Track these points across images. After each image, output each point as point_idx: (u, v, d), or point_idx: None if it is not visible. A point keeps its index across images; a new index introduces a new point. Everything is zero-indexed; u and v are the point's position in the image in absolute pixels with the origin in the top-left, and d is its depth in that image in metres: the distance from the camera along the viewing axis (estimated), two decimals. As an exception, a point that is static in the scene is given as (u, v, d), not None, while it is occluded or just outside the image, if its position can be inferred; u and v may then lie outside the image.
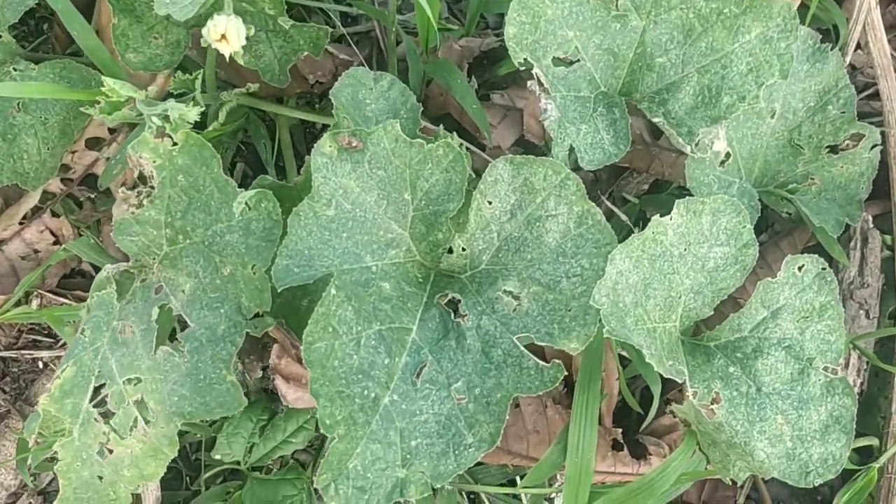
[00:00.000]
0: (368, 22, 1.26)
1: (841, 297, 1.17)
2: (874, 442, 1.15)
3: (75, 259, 1.25)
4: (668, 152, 1.18)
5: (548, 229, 0.84)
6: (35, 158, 1.06)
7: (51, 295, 1.23)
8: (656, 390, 1.07)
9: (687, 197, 0.86)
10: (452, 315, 0.85)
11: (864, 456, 1.17)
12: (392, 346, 0.80)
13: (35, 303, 1.23)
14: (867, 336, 1.13)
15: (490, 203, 0.84)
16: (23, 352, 1.25)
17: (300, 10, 1.29)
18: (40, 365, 1.26)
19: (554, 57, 0.94)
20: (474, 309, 0.84)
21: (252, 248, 0.82)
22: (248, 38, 1.01)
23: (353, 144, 0.82)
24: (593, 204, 0.84)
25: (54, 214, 1.22)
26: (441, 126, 1.02)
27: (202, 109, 0.88)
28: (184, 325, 0.86)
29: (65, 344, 1.23)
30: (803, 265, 0.90)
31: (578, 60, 0.95)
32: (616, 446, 1.12)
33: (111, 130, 1.16)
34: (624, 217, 1.14)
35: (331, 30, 0.97)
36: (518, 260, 0.85)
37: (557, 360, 0.80)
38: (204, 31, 0.83)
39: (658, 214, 0.84)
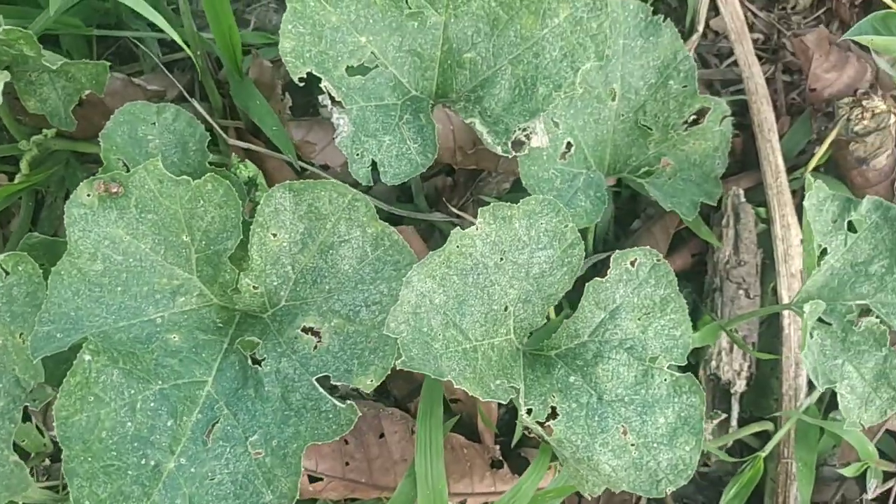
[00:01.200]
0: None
1: (718, 278, 1.11)
2: (768, 427, 1.09)
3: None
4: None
5: (342, 256, 0.77)
6: None
7: None
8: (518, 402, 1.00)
9: (492, 203, 0.79)
10: (250, 361, 0.78)
11: (766, 441, 1.11)
12: (178, 405, 0.73)
13: None
14: (747, 317, 1.07)
15: (275, 235, 0.77)
16: None
17: (127, 42, 1.22)
18: None
19: (348, 66, 0.87)
20: (273, 351, 0.77)
21: (17, 315, 0.75)
22: (32, 83, 0.95)
23: (114, 190, 0.75)
24: (388, 224, 0.77)
25: None
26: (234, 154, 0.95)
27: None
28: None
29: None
30: (636, 259, 0.84)
31: (378, 67, 0.89)
32: (495, 464, 1.06)
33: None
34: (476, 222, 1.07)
35: (108, 64, 0.90)
36: (317, 292, 0.78)
37: (351, 401, 0.73)
38: None
39: (460, 226, 0.78)
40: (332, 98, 0.84)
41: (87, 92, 0.91)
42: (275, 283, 0.79)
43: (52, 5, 0.89)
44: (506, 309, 0.81)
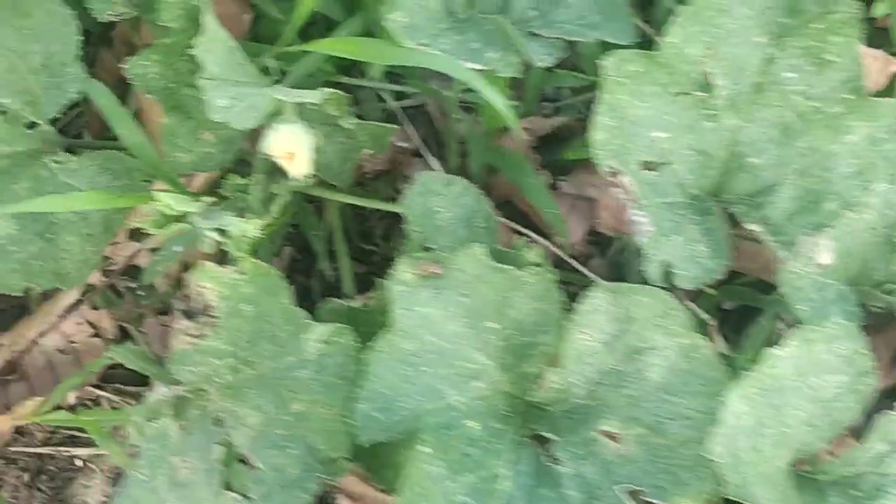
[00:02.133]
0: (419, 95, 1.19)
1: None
2: None
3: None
4: (748, 243, 1.10)
5: (650, 364, 0.76)
6: (77, 257, 0.99)
7: (92, 389, 1.16)
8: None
9: (801, 326, 0.78)
10: (544, 457, 0.77)
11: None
12: (482, 498, 0.72)
13: (72, 396, 1.16)
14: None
15: (585, 334, 0.77)
16: (59, 448, 1.18)
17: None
18: (78, 463, 1.18)
19: (642, 161, 0.86)
20: (570, 451, 0.76)
21: (326, 385, 0.75)
22: (308, 133, 0.95)
23: (435, 271, 0.75)
24: (701, 337, 0.76)
25: (94, 307, 1.15)
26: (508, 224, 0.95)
27: (264, 223, 0.81)
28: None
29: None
30: (925, 394, 0.82)
31: (666, 163, 0.88)
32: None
33: (156, 222, 1.09)
34: (704, 315, 1.06)
35: (396, 128, 0.90)
36: (618, 397, 0.77)
37: (666, 520, 0.72)
38: (265, 144, 0.76)
39: (768, 346, 0.77)
40: (629, 193, 0.84)
41: (367, 151, 0.92)
42: (575, 381, 0.78)
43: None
44: (792, 431, 0.80)
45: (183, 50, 0.87)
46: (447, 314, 0.76)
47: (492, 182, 1.11)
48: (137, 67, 0.84)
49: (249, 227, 0.79)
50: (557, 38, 0.86)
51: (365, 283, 1.26)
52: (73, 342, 1.16)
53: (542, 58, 0.82)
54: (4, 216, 0.93)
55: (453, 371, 0.77)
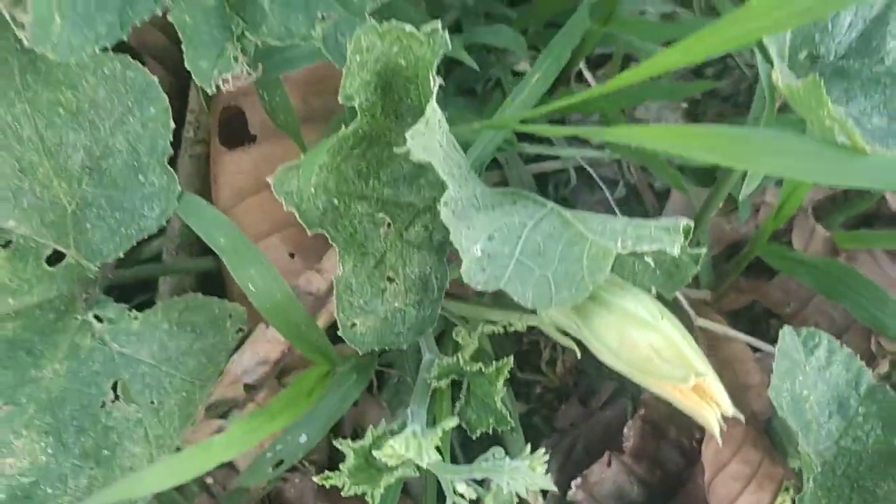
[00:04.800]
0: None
1: None
2: None
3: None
4: None
5: None
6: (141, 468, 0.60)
7: None
8: None
9: None
10: None
11: None
12: None
13: None
14: None
15: None
16: None
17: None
18: None
19: None
20: None
21: None
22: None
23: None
24: None
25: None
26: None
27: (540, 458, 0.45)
28: None
29: None
30: None
31: None
32: None
33: (249, 387, 0.71)
34: None
35: (703, 252, 0.55)
36: None
37: None
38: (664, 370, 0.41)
39: None
40: None
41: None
42: None
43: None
44: None
45: (359, 143, 0.50)
46: None
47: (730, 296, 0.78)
48: (291, 180, 0.46)
49: (539, 476, 0.43)
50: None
51: (527, 430, 0.90)
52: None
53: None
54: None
55: None
